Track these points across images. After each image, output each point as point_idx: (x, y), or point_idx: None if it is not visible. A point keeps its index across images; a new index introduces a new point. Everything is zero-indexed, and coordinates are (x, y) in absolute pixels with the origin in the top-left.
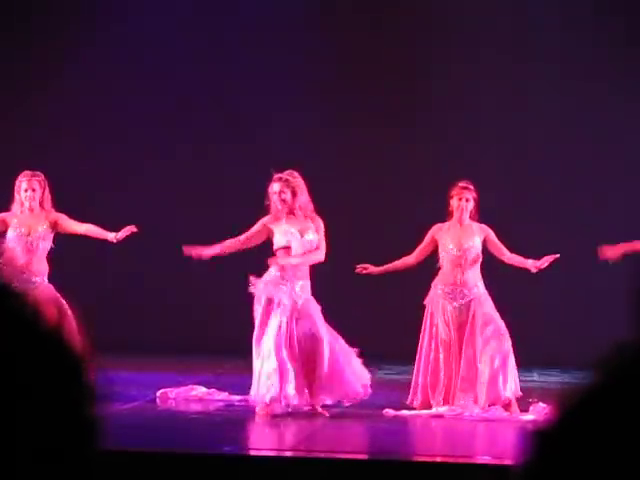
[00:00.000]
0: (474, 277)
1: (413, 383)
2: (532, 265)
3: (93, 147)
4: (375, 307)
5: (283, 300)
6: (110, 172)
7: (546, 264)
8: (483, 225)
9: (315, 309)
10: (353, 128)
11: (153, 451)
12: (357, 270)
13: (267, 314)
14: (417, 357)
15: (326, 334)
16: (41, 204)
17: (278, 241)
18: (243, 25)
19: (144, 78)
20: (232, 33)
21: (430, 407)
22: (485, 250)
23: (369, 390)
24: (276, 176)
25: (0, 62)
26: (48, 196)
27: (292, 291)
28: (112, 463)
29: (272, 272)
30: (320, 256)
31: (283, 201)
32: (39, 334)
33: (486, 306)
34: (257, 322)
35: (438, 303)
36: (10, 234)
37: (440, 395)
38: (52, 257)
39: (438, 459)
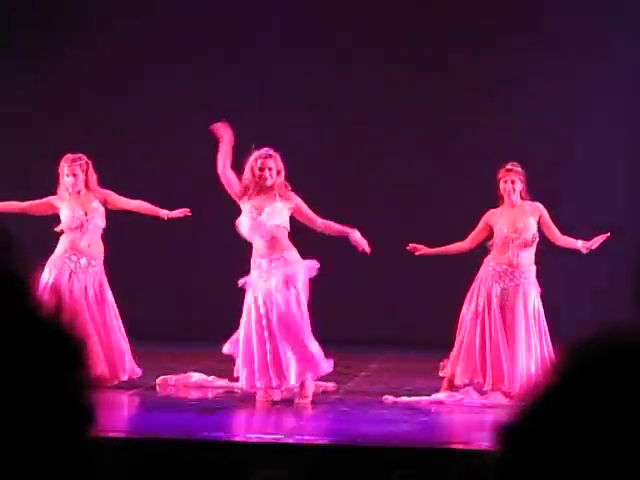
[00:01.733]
0: (529, 260)
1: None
2: (583, 246)
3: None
4: (375, 293)
5: (255, 285)
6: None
7: (596, 244)
8: (536, 203)
9: (292, 279)
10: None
11: (152, 438)
12: (409, 248)
13: (245, 299)
14: (458, 330)
15: (298, 310)
16: (86, 186)
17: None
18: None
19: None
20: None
21: (454, 384)
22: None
23: (331, 364)
24: (264, 152)
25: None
26: (93, 176)
27: (262, 272)
28: (110, 450)
29: (253, 259)
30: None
31: (271, 177)
32: (38, 321)
33: (529, 297)
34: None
35: (487, 281)
36: (64, 217)
37: (467, 376)
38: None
39: (442, 446)
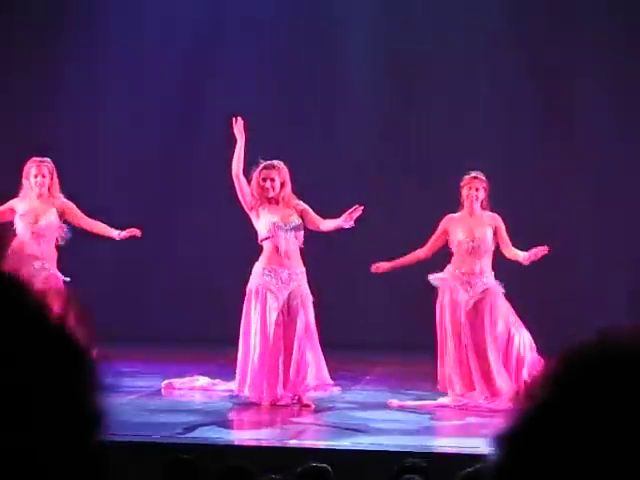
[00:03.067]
0: (487, 267)
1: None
2: (523, 258)
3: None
4: (380, 297)
5: (269, 293)
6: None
7: (534, 257)
8: (494, 215)
9: (305, 297)
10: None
11: (156, 442)
12: (372, 270)
13: (251, 305)
14: (438, 345)
15: (311, 325)
16: (49, 190)
17: (261, 231)
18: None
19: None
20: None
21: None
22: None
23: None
24: (268, 163)
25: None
26: (56, 182)
27: (278, 281)
28: (116, 454)
29: (258, 265)
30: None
31: (272, 189)
32: (43, 325)
33: (498, 299)
34: (244, 314)
35: (454, 290)
36: (18, 222)
37: (457, 384)
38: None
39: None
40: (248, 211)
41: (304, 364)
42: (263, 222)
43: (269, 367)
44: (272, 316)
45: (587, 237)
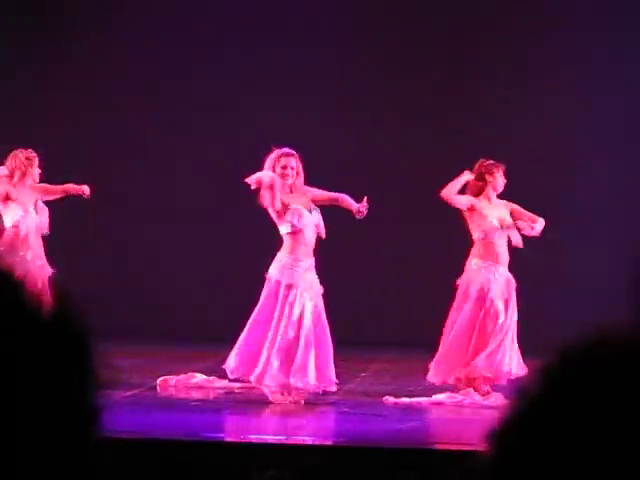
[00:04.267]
0: (506, 253)
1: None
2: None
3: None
4: (376, 294)
5: (300, 286)
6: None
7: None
8: (503, 201)
9: (318, 289)
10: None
11: (152, 439)
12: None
13: (276, 297)
14: (449, 335)
15: (321, 316)
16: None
17: (290, 223)
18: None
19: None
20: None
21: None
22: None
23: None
24: (287, 151)
25: None
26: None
27: (303, 272)
28: (112, 450)
29: (282, 256)
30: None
31: (291, 177)
32: (39, 322)
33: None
34: (261, 303)
35: (477, 282)
36: (15, 214)
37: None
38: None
39: (445, 446)
40: (277, 217)
41: (308, 357)
42: (290, 214)
43: (289, 359)
44: (296, 311)
45: (586, 233)
